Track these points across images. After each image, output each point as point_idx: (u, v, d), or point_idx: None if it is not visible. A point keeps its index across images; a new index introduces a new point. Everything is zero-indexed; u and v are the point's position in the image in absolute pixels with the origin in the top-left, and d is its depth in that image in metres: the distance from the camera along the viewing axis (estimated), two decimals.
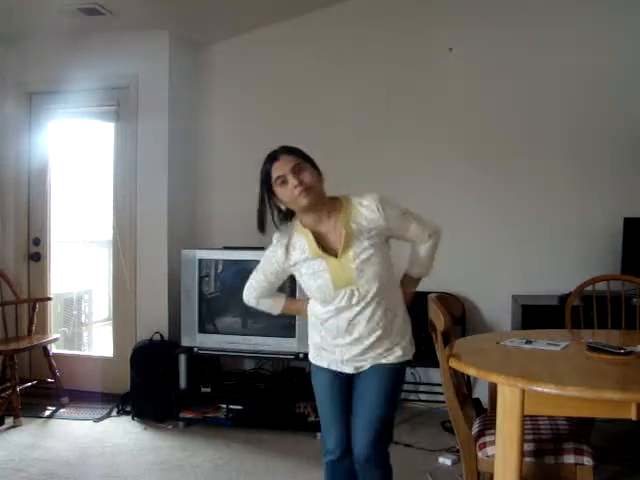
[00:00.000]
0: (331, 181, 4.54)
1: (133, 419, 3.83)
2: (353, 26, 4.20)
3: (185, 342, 3.80)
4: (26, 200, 4.47)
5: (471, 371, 1.99)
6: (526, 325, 3.38)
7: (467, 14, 4.02)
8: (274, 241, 2.11)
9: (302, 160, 2.03)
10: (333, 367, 2.12)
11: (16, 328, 4.21)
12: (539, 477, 2.15)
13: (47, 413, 3.97)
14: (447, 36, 4.05)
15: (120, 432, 3.66)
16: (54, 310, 4.64)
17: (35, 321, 4.16)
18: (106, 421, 3.85)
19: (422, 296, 2.50)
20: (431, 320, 2.24)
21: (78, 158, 4.66)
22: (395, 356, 2.08)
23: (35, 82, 4.38)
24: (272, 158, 2.02)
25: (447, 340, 2.15)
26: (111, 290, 4.43)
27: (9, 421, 3.73)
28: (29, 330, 4.15)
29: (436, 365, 2.27)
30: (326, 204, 2.06)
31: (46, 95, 4.42)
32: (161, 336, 4.00)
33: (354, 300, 2.01)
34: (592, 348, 2.14)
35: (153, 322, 4.07)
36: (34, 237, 4.49)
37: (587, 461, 2.04)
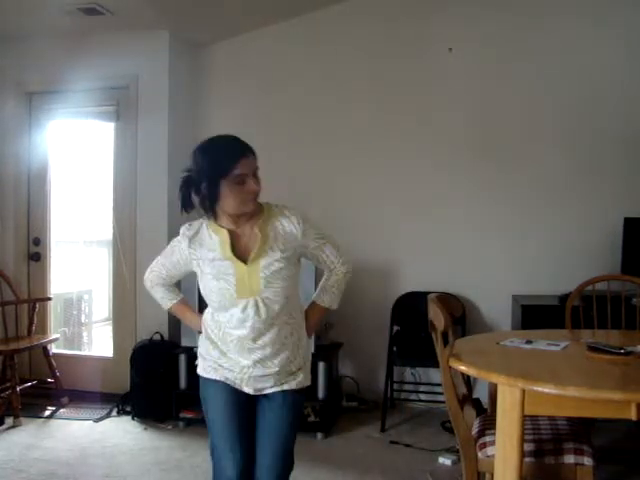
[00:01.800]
0: (332, 179, 4.54)
1: (133, 419, 3.83)
2: (353, 26, 4.20)
3: (185, 342, 3.79)
4: (26, 200, 4.47)
5: (471, 371, 1.99)
6: (526, 325, 3.38)
7: (467, 14, 4.02)
8: (181, 232, 2.03)
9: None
10: (231, 383, 1.97)
11: (16, 328, 4.21)
12: (539, 477, 2.15)
13: (47, 413, 3.97)
14: (447, 36, 4.05)
15: (120, 432, 3.66)
16: (54, 310, 4.64)
17: (35, 321, 4.16)
18: (106, 421, 3.84)
19: (422, 296, 2.50)
20: (431, 320, 2.23)
21: (78, 158, 4.65)
22: (297, 381, 1.99)
23: (35, 82, 4.38)
24: (240, 154, 1.86)
25: (447, 340, 2.15)
26: (111, 290, 4.43)
27: (9, 421, 3.73)
28: (29, 330, 4.15)
29: (436, 365, 2.26)
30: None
31: (46, 95, 4.42)
32: (161, 336, 4.00)
33: (262, 314, 1.89)
34: (592, 348, 2.15)
35: (153, 322, 4.06)
36: (34, 237, 4.49)
37: (587, 461, 2.04)
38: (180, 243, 2.02)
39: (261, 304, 1.89)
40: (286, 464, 2.00)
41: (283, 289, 1.92)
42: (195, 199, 1.91)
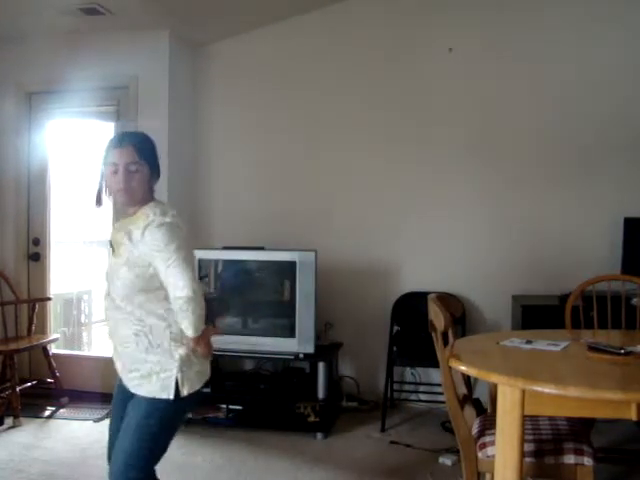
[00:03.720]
0: (332, 178, 4.54)
1: None
2: (353, 26, 4.20)
3: None
4: (26, 200, 4.47)
5: (471, 371, 1.99)
6: (526, 325, 3.38)
7: (467, 14, 4.02)
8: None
9: (141, 160, 1.99)
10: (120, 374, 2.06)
11: (16, 328, 4.21)
12: (539, 477, 2.15)
13: (47, 413, 3.97)
14: (447, 36, 4.05)
15: None
16: (54, 310, 4.64)
17: (35, 321, 4.15)
18: (106, 421, 3.83)
19: (422, 296, 2.50)
20: (431, 320, 2.23)
21: (78, 158, 4.65)
22: (145, 389, 1.96)
23: (35, 82, 4.38)
24: (116, 143, 2.00)
25: (447, 340, 2.15)
26: None
27: (9, 421, 3.73)
28: (29, 330, 4.14)
29: (436, 365, 2.26)
30: (139, 204, 2.02)
31: (46, 95, 4.42)
32: None
33: (111, 304, 1.99)
34: (592, 348, 2.15)
35: None
36: (34, 237, 4.49)
37: (587, 461, 2.04)
38: None
39: (112, 294, 2.00)
40: (122, 462, 1.94)
41: (120, 288, 1.96)
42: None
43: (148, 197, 2.04)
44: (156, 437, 1.97)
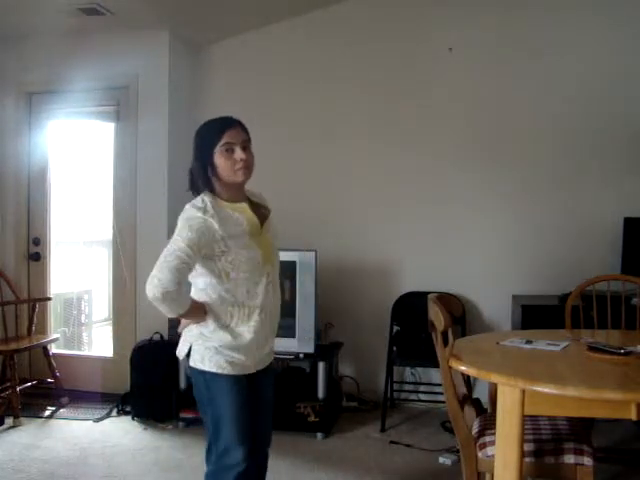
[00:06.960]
0: (331, 178, 4.54)
1: (133, 419, 3.83)
2: (353, 26, 4.20)
3: None
4: (26, 200, 4.47)
5: (471, 371, 1.99)
6: (526, 325, 3.38)
7: (467, 14, 4.02)
8: (196, 210, 1.94)
9: (249, 140, 2.04)
10: (252, 370, 2.06)
11: (16, 328, 4.21)
12: (539, 477, 2.15)
13: (47, 413, 3.97)
14: (447, 36, 4.05)
15: (120, 432, 3.66)
16: (54, 310, 4.64)
17: (35, 321, 4.15)
18: (106, 421, 3.84)
19: (422, 296, 2.50)
20: (431, 320, 2.23)
21: (78, 158, 4.65)
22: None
23: (35, 82, 4.38)
24: (228, 124, 1.99)
25: (447, 340, 2.15)
26: (111, 290, 4.43)
27: (9, 421, 3.72)
28: (29, 330, 4.14)
29: (436, 365, 2.26)
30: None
31: (46, 95, 4.42)
32: (161, 336, 4.00)
33: (271, 283, 2.07)
34: (592, 348, 2.15)
35: (153, 322, 4.05)
36: (34, 237, 4.49)
37: (587, 461, 2.04)
38: (207, 221, 1.93)
39: (271, 273, 2.08)
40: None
41: (278, 266, 2.16)
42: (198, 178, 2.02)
43: None
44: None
